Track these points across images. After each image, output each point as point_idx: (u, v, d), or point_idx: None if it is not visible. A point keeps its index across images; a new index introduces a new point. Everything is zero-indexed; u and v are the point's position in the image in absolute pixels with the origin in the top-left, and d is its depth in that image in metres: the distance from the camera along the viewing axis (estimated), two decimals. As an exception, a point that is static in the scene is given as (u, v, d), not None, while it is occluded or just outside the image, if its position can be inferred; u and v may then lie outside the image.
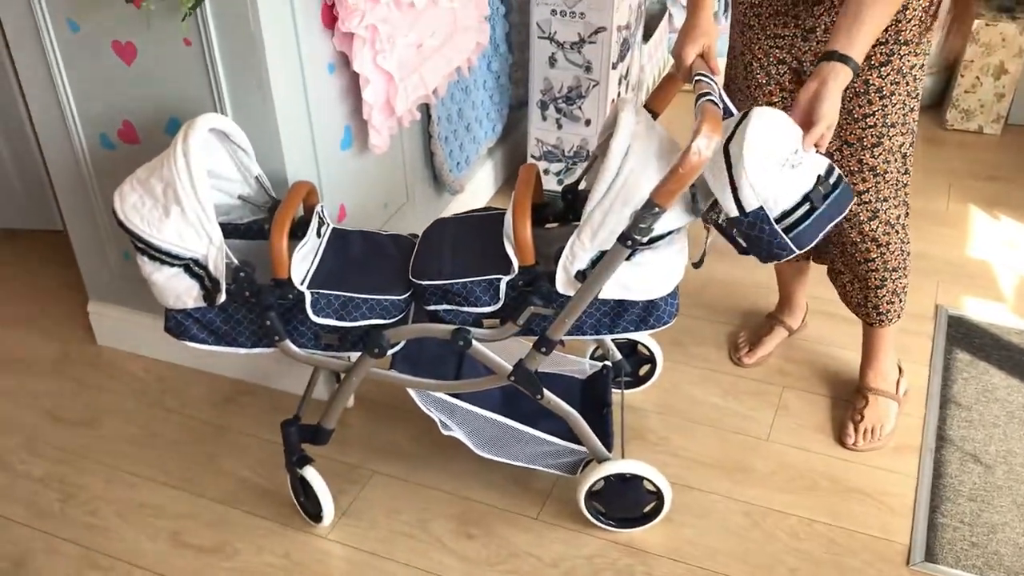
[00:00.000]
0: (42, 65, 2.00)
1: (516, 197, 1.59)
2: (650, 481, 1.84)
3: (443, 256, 1.71)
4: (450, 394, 1.82)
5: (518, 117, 3.13)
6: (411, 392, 1.81)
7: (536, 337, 1.67)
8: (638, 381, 2.25)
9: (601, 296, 1.58)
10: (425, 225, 1.85)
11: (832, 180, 1.51)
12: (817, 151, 1.52)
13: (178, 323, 1.72)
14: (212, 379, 2.35)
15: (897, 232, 1.93)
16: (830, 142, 1.85)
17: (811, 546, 1.88)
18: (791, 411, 2.21)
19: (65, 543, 1.92)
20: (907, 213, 1.95)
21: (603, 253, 1.52)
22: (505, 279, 1.62)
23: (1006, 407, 2.18)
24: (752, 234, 1.48)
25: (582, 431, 1.80)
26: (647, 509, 1.90)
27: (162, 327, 1.75)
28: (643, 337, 2.19)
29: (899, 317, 2.06)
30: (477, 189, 2.97)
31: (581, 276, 1.55)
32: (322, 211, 1.81)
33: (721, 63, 1.75)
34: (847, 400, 2.20)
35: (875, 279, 1.98)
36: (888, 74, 1.76)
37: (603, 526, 1.91)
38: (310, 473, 1.89)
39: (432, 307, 1.69)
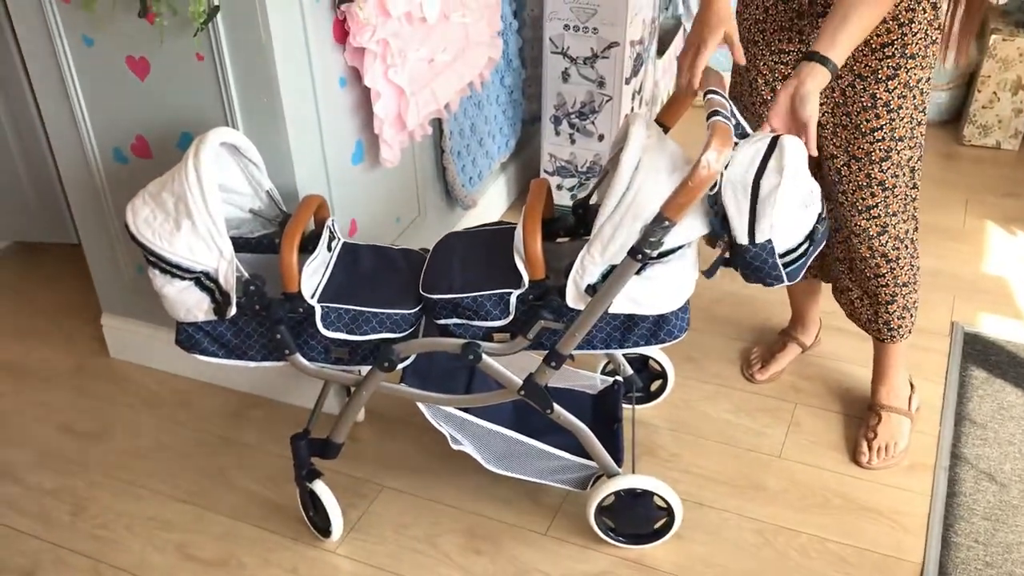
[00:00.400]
0: (57, 80, 2.02)
1: (527, 211, 1.59)
2: (661, 497, 1.83)
3: (453, 270, 1.71)
4: (460, 408, 1.81)
5: (531, 132, 3.14)
6: (421, 406, 1.81)
7: (546, 351, 1.67)
8: (649, 396, 2.24)
9: (611, 311, 1.58)
10: (437, 240, 1.85)
11: (824, 216, 1.54)
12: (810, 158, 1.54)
13: (189, 336, 1.72)
14: (223, 392, 2.36)
15: (907, 247, 1.92)
16: (837, 158, 1.85)
17: (822, 565, 1.86)
18: (804, 428, 2.19)
19: (74, 555, 1.93)
20: (916, 228, 1.94)
21: (613, 267, 1.52)
22: (515, 293, 1.61)
23: (1022, 425, 2.15)
24: (754, 263, 1.50)
25: (592, 446, 1.79)
26: (657, 526, 1.88)
27: (174, 340, 1.76)
28: (655, 352, 2.18)
29: (910, 333, 2.04)
30: (490, 204, 2.98)
31: (591, 290, 1.55)
32: (333, 225, 1.81)
33: (726, 78, 1.74)
34: (860, 417, 2.18)
35: (885, 294, 1.97)
36: (895, 88, 1.75)
37: (613, 542, 1.89)
38: (319, 487, 1.88)
39: (442, 321, 1.68)
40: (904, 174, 1.84)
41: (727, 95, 1.55)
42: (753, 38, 1.86)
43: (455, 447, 1.85)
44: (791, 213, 1.48)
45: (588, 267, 1.54)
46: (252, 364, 1.75)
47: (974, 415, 2.19)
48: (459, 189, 2.65)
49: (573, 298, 1.57)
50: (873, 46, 1.73)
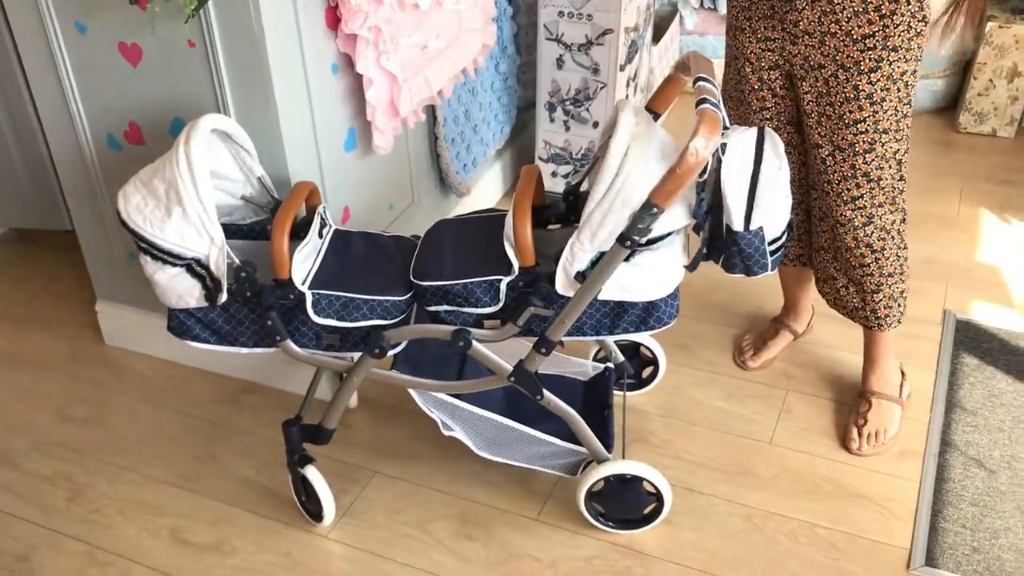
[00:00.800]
0: (50, 66, 2.02)
1: (517, 199, 1.59)
2: (650, 482, 1.84)
3: (444, 257, 1.72)
4: (451, 394, 1.82)
5: (526, 119, 3.13)
6: (412, 392, 1.81)
7: (536, 338, 1.67)
8: (641, 383, 2.25)
9: (600, 297, 1.58)
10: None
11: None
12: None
13: (180, 322, 1.73)
14: (217, 378, 2.37)
15: (893, 238, 1.92)
16: (822, 147, 1.86)
17: (812, 550, 1.87)
18: (795, 415, 2.20)
19: (68, 539, 1.94)
20: (904, 219, 1.94)
21: (603, 254, 1.52)
22: (505, 280, 1.62)
23: (1012, 412, 2.16)
24: (747, 250, 1.53)
25: (582, 431, 1.80)
26: (647, 511, 1.89)
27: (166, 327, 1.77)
28: (646, 339, 2.19)
29: (899, 322, 2.05)
30: (484, 191, 2.98)
31: (580, 277, 1.56)
32: (324, 212, 1.82)
33: (718, 67, 1.74)
34: (851, 404, 2.19)
35: (870, 283, 1.97)
36: (877, 80, 1.75)
37: (603, 527, 1.91)
38: (311, 473, 1.89)
39: (433, 308, 1.69)
40: (890, 166, 1.84)
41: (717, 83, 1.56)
42: (740, 25, 1.87)
43: (446, 433, 1.86)
44: (780, 201, 1.50)
45: (577, 254, 1.54)
46: (244, 350, 1.75)
47: (965, 402, 2.20)
48: (454, 176, 2.65)
49: (563, 285, 1.58)
50: (855, 36, 1.73)
